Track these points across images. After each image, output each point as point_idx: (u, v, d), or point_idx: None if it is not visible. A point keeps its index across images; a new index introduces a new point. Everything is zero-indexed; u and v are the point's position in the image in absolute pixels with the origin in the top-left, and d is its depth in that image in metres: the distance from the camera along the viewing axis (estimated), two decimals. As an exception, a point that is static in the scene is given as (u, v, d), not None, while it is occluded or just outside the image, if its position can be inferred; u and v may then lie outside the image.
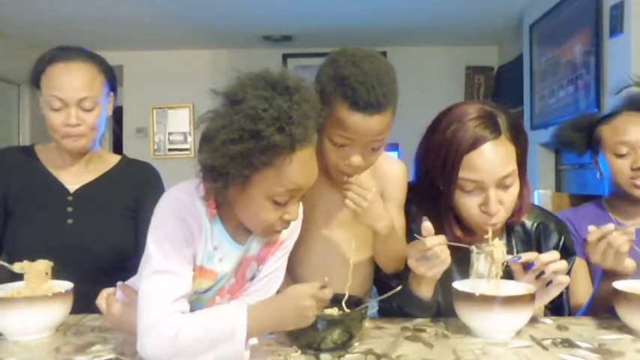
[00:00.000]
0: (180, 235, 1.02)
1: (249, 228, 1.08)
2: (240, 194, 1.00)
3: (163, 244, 1.01)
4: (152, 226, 1.04)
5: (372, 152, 1.20)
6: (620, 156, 1.48)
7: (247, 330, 0.94)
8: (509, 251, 1.32)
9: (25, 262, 1.18)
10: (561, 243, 1.36)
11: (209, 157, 0.95)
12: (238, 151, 0.92)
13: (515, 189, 1.23)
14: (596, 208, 1.60)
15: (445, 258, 1.14)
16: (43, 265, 1.19)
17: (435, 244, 1.12)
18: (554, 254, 1.16)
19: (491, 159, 1.19)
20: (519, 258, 1.18)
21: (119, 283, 1.15)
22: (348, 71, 1.13)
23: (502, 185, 1.20)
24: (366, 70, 1.13)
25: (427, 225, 1.14)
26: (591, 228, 1.27)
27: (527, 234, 1.36)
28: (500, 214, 1.22)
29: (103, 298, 1.14)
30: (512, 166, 1.21)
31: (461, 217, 1.26)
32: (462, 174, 1.20)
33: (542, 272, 1.16)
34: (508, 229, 1.35)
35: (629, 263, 1.26)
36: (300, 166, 0.97)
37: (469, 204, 1.22)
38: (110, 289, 1.15)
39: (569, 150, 1.62)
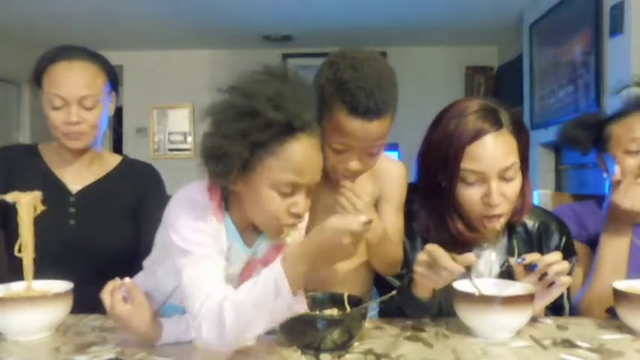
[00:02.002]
0: (203, 226, 1.03)
1: (259, 225, 1.08)
2: (246, 186, 1.01)
3: (190, 235, 1.02)
4: (171, 224, 1.04)
5: (371, 157, 1.20)
6: (630, 153, 1.44)
7: (289, 279, 0.92)
8: (511, 251, 1.33)
9: (16, 192, 1.19)
10: (562, 243, 1.36)
11: (208, 140, 0.97)
12: (236, 130, 0.94)
13: (517, 183, 1.23)
14: (601, 208, 1.55)
15: (438, 281, 1.12)
16: (33, 194, 1.20)
17: (455, 270, 1.09)
18: (557, 255, 1.17)
19: (492, 150, 1.19)
20: (524, 259, 1.18)
21: (127, 280, 1.14)
22: (348, 75, 1.11)
23: (504, 177, 1.20)
24: (365, 74, 1.11)
25: (470, 258, 1.11)
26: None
27: (528, 234, 1.35)
28: (503, 207, 1.21)
29: (108, 292, 1.13)
30: (514, 159, 1.21)
31: (462, 211, 1.26)
32: (464, 165, 1.20)
33: (545, 274, 1.16)
34: (509, 230, 1.35)
35: None
36: (300, 152, 0.98)
37: (471, 196, 1.22)
38: (116, 282, 1.13)
39: (573, 147, 1.59)
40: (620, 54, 2.89)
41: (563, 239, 1.36)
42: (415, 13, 4.41)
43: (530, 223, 1.36)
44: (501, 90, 5.28)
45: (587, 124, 1.55)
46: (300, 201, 1.02)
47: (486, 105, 1.23)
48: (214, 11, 4.34)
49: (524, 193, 1.28)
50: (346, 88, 1.11)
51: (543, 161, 4.01)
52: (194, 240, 1.02)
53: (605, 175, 1.56)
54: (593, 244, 1.47)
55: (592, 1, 3.17)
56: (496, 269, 1.32)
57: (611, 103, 1.57)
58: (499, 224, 1.23)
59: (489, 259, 1.33)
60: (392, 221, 1.30)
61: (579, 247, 1.47)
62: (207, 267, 1.00)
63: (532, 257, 1.17)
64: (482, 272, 1.32)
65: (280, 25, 4.80)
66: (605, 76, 3.06)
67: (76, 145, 1.46)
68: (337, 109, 1.12)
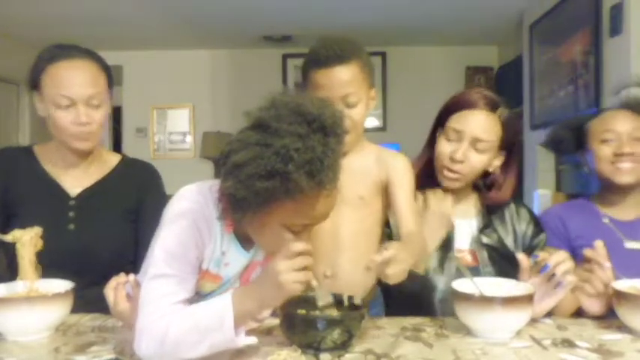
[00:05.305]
0: (190, 238, 1.02)
1: (260, 247, 1.09)
2: (257, 218, 0.98)
3: (171, 246, 1.00)
4: (163, 224, 1.03)
5: (349, 108, 1.26)
6: (605, 142, 1.49)
7: (234, 314, 0.93)
8: (486, 220, 1.43)
9: (16, 231, 1.19)
10: (533, 219, 1.47)
11: (232, 187, 0.93)
12: (263, 188, 0.90)
13: (484, 158, 1.37)
14: (587, 203, 1.61)
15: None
16: (34, 231, 1.20)
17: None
18: (564, 254, 1.20)
19: (477, 121, 1.36)
20: (537, 256, 1.22)
21: (131, 277, 1.14)
22: (314, 45, 1.31)
23: (475, 147, 1.36)
24: (325, 39, 1.30)
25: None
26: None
27: (501, 211, 1.47)
28: (462, 168, 1.36)
29: (111, 289, 1.13)
30: (493, 139, 1.36)
31: (435, 162, 1.41)
32: (449, 124, 1.38)
33: (552, 275, 1.19)
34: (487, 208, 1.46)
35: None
36: (321, 205, 0.96)
37: (444, 148, 1.38)
38: (121, 279, 1.13)
39: (558, 149, 1.65)
40: (620, 54, 2.89)
41: (533, 218, 1.49)
42: (415, 13, 4.40)
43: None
44: (501, 90, 5.26)
45: (571, 126, 1.62)
46: (306, 236, 1.01)
47: (490, 93, 1.41)
48: (214, 11, 4.34)
49: (505, 180, 1.44)
50: (311, 50, 1.30)
51: (543, 161, 4.01)
52: (168, 252, 1.00)
53: (587, 171, 1.60)
54: (575, 245, 1.48)
55: (592, 2, 3.17)
56: (474, 234, 1.43)
57: (610, 104, 1.59)
58: (452, 183, 1.39)
59: (469, 228, 1.45)
60: (409, 205, 1.32)
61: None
62: (163, 286, 0.98)
63: (542, 255, 1.21)
64: (462, 239, 1.43)
65: (280, 25, 4.79)
66: (605, 76, 3.06)
67: (84, 146, 1.43)
68: (309, 72, 1.29)
